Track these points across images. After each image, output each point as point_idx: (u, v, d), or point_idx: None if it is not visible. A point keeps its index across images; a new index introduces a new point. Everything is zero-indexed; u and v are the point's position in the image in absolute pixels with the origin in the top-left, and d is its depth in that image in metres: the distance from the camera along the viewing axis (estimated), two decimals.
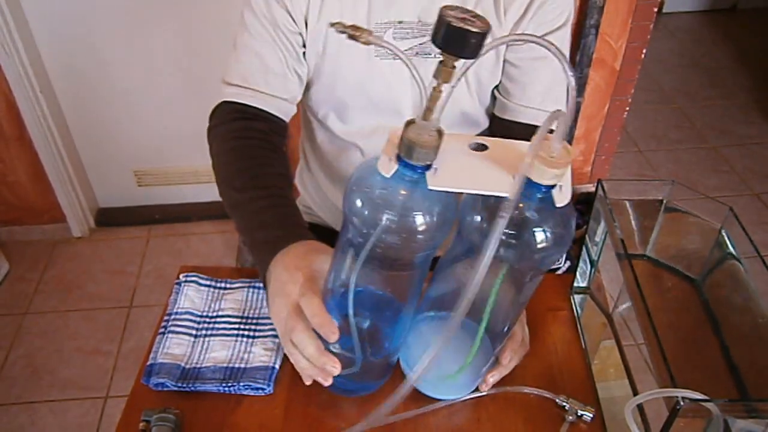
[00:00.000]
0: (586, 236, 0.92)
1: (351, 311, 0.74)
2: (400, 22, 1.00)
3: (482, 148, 0.69)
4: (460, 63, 0.60)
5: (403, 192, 0.66)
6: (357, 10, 1.00)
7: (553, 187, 0.64)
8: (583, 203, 2.53)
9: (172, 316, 0.93)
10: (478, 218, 0.69)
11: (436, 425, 0.82)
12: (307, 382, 0.80)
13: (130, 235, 2.57)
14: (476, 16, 0.59)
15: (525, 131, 1.08)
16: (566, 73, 0.61)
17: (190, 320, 0.93)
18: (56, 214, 2.48)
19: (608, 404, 0.83)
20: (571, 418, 0.81)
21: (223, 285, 0.99)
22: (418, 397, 0.83)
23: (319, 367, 0.77)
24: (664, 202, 0.86)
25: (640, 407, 0.71)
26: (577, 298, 0.98)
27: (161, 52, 2.25)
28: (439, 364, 0.82)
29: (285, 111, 1.08)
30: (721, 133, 3.18)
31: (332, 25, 0.65)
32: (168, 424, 0.77)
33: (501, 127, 1.11)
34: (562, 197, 0.65)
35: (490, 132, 1.16)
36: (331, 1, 0.99)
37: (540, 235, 0.66)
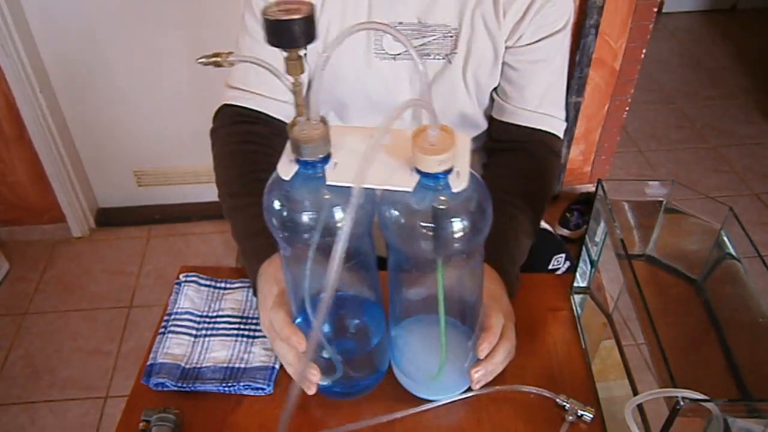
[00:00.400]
0: (586, 236, 0.92)
1: (311, 313, 0.75)
2: (400, 23, 1.01)
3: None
4: (307, 50, 0.61)
5: (309, 191, 0.67)
6: (358, 11, 1.00)
7: (449, 172, 0.64)
8: (583, 203, 2.53)
9: (172, 316, 0.93)
10: (395, 213, 0.69)
11: (437, 425, 0.82)
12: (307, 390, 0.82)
13: (130, 235, 2.57)
14: (300, 2, 0.59)
15: (522, 133, 1.09)
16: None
17: (190, 320, 0.93)
18: (56, 214, 2.48)
19: (608, 404, 0.83)
20: (571, 418, 0.81)
21: (223, 285, 0.99)
22: (413, 399, 0.83)
23: (298, 376, 0.79)
24: (664, 202, 0.86)
25: (640, 407, 0.71)
26: (577, 298, 0.98)
27: (161, 51, 2.25)
28: (420, 364, 0.83)
29: (286, 113, 1.08)
30: (721, 133, 3.18)
31: (197, 60, 0.66)
32: (168, 424, 0.77)
33: (499, 129, 1.11)
34: (458, 182, 0.64)
35: (488, 134, 1.16)
36: (332, 2, 0.99)
37: (455, 223, 0.66)
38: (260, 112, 1.05)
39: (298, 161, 0.65)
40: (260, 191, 0.99)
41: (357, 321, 0.81)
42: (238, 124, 1.05)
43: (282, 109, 1.07)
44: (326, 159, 0.65)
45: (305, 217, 0.67)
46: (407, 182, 0.64)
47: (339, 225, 0.66)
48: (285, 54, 0.61)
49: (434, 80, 1.05)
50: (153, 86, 2.33)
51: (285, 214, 0.68)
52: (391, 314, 0.82)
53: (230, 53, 0.64)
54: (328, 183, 0.65)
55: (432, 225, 0.66)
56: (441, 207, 0.65)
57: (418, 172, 0.64)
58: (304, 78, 0.62)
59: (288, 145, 0.67)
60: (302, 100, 0.63)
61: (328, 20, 1.01)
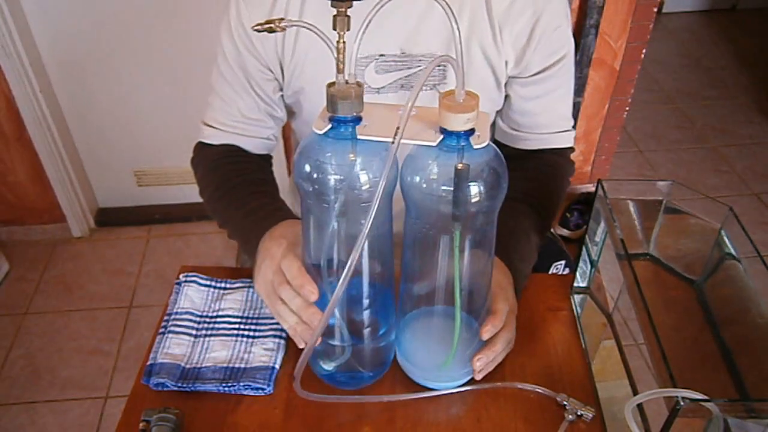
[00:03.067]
0: (586, 236, 0.92)
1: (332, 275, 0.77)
2: (381, 56, 0.97)
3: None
4: (353, 8, 0.65)
5: (340, 146, 0.70)
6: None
7: (471, 133, 0.68)
8: (583, 203, 2.53)
9: (172, 316, 0.93)
10: (417, 174, 0.72)
11: (437, 424, 0.82)
12: (300, 345, 0.83)
13: (130, 235, 2.57)
14: None
15: (540, 157, 1.09)
16: None
17: (190, 320, 0.93)
18: (56, 214, 2.48)
19: (608, 404, 0.83)
20: (570, 417, 0.81)
21: (223, 285, 0.99)
22: (418, 388, 0.83)
23: (306, 319, 0.79)
24: (664, 202, 0.86)
25: (640, 407, 0.71)
26: (577, 298, 0.98)
27: (162, 51, 2.25)
28: (428, 353, 0.83)
29: (263, 147, 1.10)
30: (721, 133, 3.18)
31: (253, 28, 0.68)
32: (168, 424, 0.77)
33: (509, 151, 1.10)
34: (480, 140, 0.68)
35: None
36: (305, 36, 0.97)
37: (474, 185, 0.69)
38: (236, 146, 1.07)
39: (331, 119, 0.69)
40: (245, 189, 1.00)
41: (368, 309, 0.81)
42: (212, 147, 1.07)
43: (259, 145, 1.09)
44: (358, 120, 0.69)
45: (336, 174, 0.70)
46: (432, 138, 0.68)
47: (366, 186, 0.70)
48: (334, 9, 0.65)
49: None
50: (153, 86, 2.33)
51: (317, 169, 0.71)
52: (401, 304, 0.83)
53: (282, 19, 0.67)
54: (359, 137, 0.69)
55: (453, 186, 0.69)
56: (462, 167, 0.68)
57: (443, 131, 0.68)
58: (350, 35, 0.65)
59: (323, 107, 0.70)
60: (342, 56, 0.66)
61: (303, 60, 0.99)
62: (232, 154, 1.06)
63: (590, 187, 2.67)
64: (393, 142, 0.64)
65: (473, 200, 0.69)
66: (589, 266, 0.94)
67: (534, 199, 1.01)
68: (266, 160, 1.11)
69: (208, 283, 0.99)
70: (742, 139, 3.14)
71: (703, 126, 3.24)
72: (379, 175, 0.68)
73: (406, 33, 0.96)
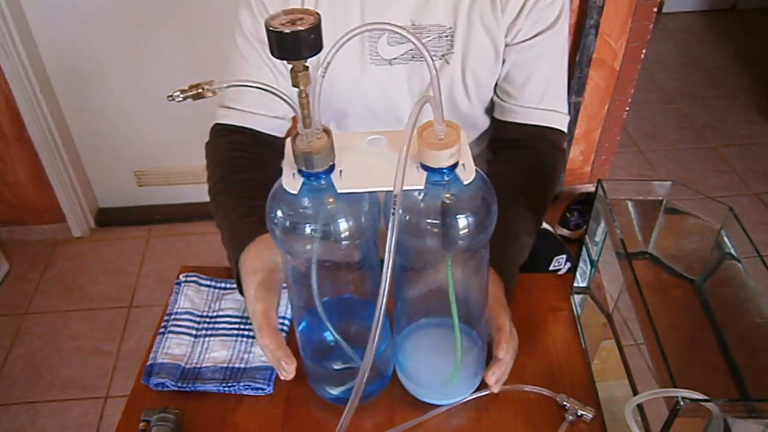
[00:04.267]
0: (586, 236, 0.92)
1: (332, 330, 0.76)
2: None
3: (380, 142, 0.70)
4: (312, 61, 0.60)
5: (317, 202, 0.66)
6: (349, 19, 1.00)
7: (455, 167, 0.65)
8: (583, 203, 2.53)
9: (172, 316, 0.93)
10: (404, 212, 0.69)
11: (437, 425, 0.82)
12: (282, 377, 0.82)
13: (130, 235, 2.57)
14: (304, 11, 0.59)
15: (525, 131, 1.08)
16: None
17: (190, 320, 0.93)
18: (56, 214, 2.48)
19: (608, 404, 0.83)
20: (571, 417, 0.81)
21: (223, 285, 0.99)
22: (418, 403, 0.83)
23: (285, 378, 0.79)
24: (664, 202, 0.86)
25: (640, 407, 0.71)
26: (577, 298, 0.98)
27: (162, 51, 2.25)
28: (427, 369, 0.82)
29: (277, 128, 1.10)
30: (721, 133, 3.18)
31: (169, 98, 0.64)
32: (168, 424, 0.77)
33: (501, 129, 1.11)
34: (467, 174, 0.65)
35: (492, 135, 1.16)
36: (323, 11, 0.99)
37: (462, 218, 0.66)
38: (248, 128, 1.07)
39: (302, 173, 0.64)
40: (239, 190, 1.00)
41: (363, 328, 0.80)
42: (224, 136, 1.08)
43: (272, 125, 1.09)
44: (331, 168, 0.65)
45: (314, 228, 0.66)
46: (417, 180, 0.64)
47: (346, 234, 0.67)
48: (290, 66, 0.60)
49: (432, 82, 1.05)
50: (153, 86, 2.33)
51: (293, 226, 0.67)
52: (396, 320, 0.81)
53: (211, 82, 0.62)
54: (340, 191, 0.64)
55: (441, 221, 0.66)
56: (450, 201, 0.65)
57: (425, 168, 0.64)
58: (312, 88, 0.61)
59: (287, 159, 0.66)
60: (306, 110, 0.62)
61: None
62: (237, 147, 1.06)
63: (590, 187, 2.67)
64: (393, 211, 0.59)
65: (463, 233, 0.67)
66: (589, 266, 0.94)
67: (526, 198, 1.01)
68: (275, 149, 1.10)
69: (208, 283, 0.99)
70: (742, 139, 3.14)
71: (703, 126, 3.24)
72: (359, 222, 0.67)
73: (416, 5, 1.00)
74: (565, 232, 2.51)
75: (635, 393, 0.74)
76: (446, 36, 1.01)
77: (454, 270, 0.72)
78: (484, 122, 1.15)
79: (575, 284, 0.98)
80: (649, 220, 0.87)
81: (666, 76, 3.65)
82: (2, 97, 2.17)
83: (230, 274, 1.01)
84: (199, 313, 0.95)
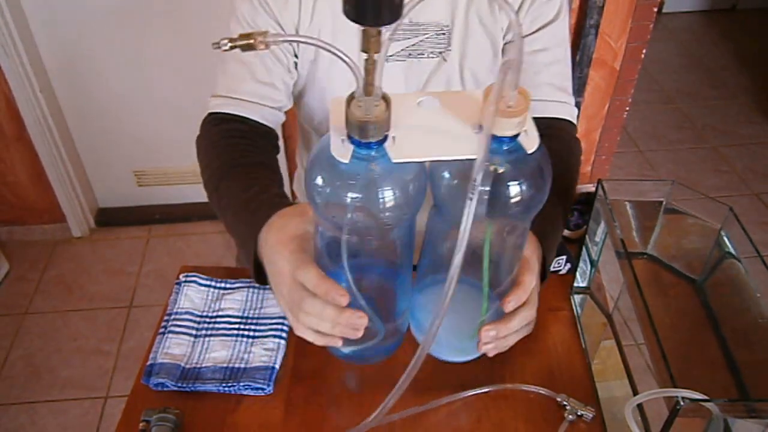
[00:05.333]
0: (586, 236, 0.92)
1: (354, 289, 0.72)
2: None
3: (433, 102, 0.66)
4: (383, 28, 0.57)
5: (367, 172, 0.62)
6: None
7: (518, 135, 0.62)
8: (583, 203, 2.53)
9: (172, 316, 0.93)
10: (447, 175, 0.67)
11: (437, 424, 0.82)
12: (338, 344, 0.78)
13: (130, 235, 2.57)
14: None
15: (537, 125, 1.07)
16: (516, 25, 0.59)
17: (190, 320, 0.93)
18: (56, 214, 2.48)
19: (608, 404, 0.83)
20: (571, 417, 0.81)
21: (223, 285, 0.99)
22: (418, 394, 0.83)
23: (345, 324, 0.73)
24: (664, 202, 0.86)
25: (640, 407, 0.71)
26: (577, 298, 0.98)
27: (161, 51, 2.26)
28: (454, 330, 0.80)
29: (272, 119, 1.06)
30: (721, 133, 3.18)
31: (215, 45, 0.60)
32: (168, 424, 0.77)
33: None
34: (530, 142, 0.62)
35: None
36: (321, 7, 0.99)
37: (517, 187, 0.64)
38: (243, 117, 1.04)
39: (353, 141, 0.61)
40: (246, 171, 0.96)
41: (386, 286, 0.77)
42: (217, 125, 1.04)
43: (267, 115, 1.05)
44: (385, 137, 0.61)
45: (360, 197, 0.63)
46: (474, 147, 0.60)
47: (392, 204, 0.63)
48: (362, 29, 0.57)
49: (429, 79, 1.05)
50: (153, 86, 2.33)
51: (336, 194, 0.63)
52: (420, 277, 0.79)
53: (266, 33, 0.59)
54: (395, 161, 0.61)
55: (493, 188, 0.62)
56: (506, 169, 0.62)
57: (494, 137, 0.60)
58: (380, 55, 0.58)
59: (336, 124, 0.62)
60: (372, 77, 0.58)
61: (318, 27, 1.00)
62: (234, 135, 1.02)
63: (590, 187, 2.67)
64: (470, 199, 0.54)
65: (514, 202, 0.64)
66: (589, 266, 0.94)
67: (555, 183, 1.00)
68: (271, 141, 1.08)
69: (208, 283, 0.99)
70: (742, 139, 3.14)
71: (703, 126, 3.24)
72: (407, 192, 0.63)
73: (414, 2, 0.98)
74: (565, 232, 2.50)
75: (635, 393, 0.74)
76: (443, 33, 1.01)
77: (492, 236, 0.69)
78: None
79: (575, 284, 0.98)
80: (649, 220, 0.87)
81: (666, 76, 3.65)
82: (2, 97, 2.17)
83: (230, 274, 1.01)
84: (199, 313, 0.95)
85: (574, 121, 1.10)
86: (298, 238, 0.79)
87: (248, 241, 0.85)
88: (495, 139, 0.61)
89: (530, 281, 0.78)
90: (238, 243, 0.91)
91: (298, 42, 0.60)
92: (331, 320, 0.73)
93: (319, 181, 0.64)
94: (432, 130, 0.63)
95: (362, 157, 0.61)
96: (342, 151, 0.61)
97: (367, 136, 0.59)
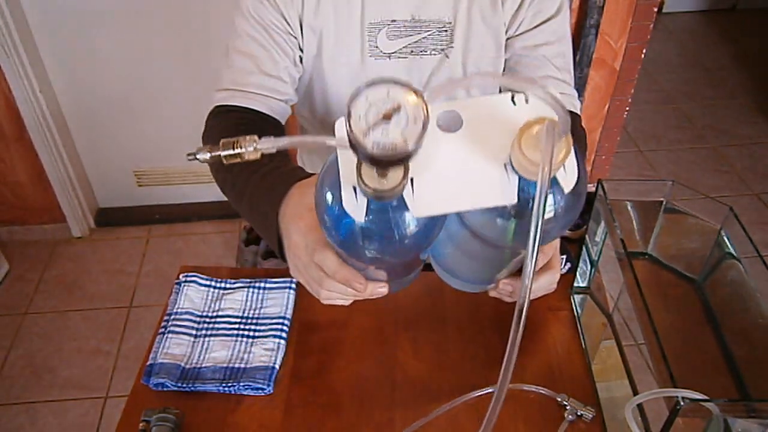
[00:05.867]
0: (586, 236, 0.92)
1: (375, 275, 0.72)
2: (393, 21, 1.01)
3: (454, 121, 0.57)
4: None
5: (384, 226, 0.57)
6: (351, 9, 1.00)
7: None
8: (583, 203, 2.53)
9: (172, 316, 0.93)
10: (483, 218, 0.62)
11: (437, 425, 0.82)
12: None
13: (130, 235, 2.57)
14: (387, 115, 0.48)
15: None
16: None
17: (190, 320, 0.93)
18: (56, 214, 2.48)
19: (608, 404, 0.83)
20: (570, 417, 0.81)
21: (222, 285, 0.99)
22: (417, 394, 0.83)
23: (368, 295, 0.74)
24: (664, 202, 0.86)
25: (640, 407, 0.71)
26: (577, 298, 0.98)
27: (161, 51, 2.25)
28: (473, 271, 0.78)
29: (279, 111, 1.05)
30: (721, 133, 3.18)
31: (190, 157, 0.57)
32: (168, 424, 0.77)
33: None
34: (569, 179, 0.56)
35: None
36: (325, 2, 0.99)
37: (553, 221, 0.60)
38: (250, 109, 1.01)
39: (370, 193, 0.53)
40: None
41: (408, 263, 0.74)
42: (226, 115, 1.01)
43: (275, 107, 1.03)
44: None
45: (380, 250, 0.59)
46: (506, 192, 0.54)
47: (410, 248, 0.59)
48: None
49: (431, 76, 1.05)
50: (153, 86, 2.33)
51: (356, 249, 0.60)
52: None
53: (254, 137, 0.56)
54: (416, 215, 0.55)
55: (521, 220, 0.58)
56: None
57: (515, 170, 0.53)
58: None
59: (345, 171, 0.56)
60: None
61: (321, 22, 1.00)
62: (245, 122, 1.00)
63: (590, 187, 2.66)
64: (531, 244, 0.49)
65: (548, 230, 0.59)
66: (589, 266, 0.94)
67: None
68: (279, 128, 1.06)
69: (208, 283, 0.99)
70: (742, 139, 3.14)
71: (703, 126, 3.24)
72: (426, 237, 0.59)
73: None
74: (565, 232, 2.50)
75: (635, 393, 0.74)
76: (445, 30, 1.02)
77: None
78: None
79: (575, 284, 0.98)
80: (649, 220, 0.87)
81: (666, 76, 3.65)
82: (2, 97, 2.17)
83: (230, 274, 1.01)
84: (199, 313, 0.95)
85: (578, 112, 1.10)
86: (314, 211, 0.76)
87: (270, 215, 0.83)
88: (530, 183, 0.54)
89: (551, 247, 0.79)
90: (258, 222, 0.88)
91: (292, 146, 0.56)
92: (354, 295, 0.75)
93: (329, 225, 0.60)
94: (457, 169, 0.55)
95: (379, 209, 0.56)
96: (355, 206, 0.55)
97: (384, 200, 0.54)
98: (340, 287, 0.74)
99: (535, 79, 0.52)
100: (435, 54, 1.04)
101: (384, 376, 0.87)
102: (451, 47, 1.03)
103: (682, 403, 0.59)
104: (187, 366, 0.87)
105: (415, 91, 0.47)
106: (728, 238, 0.82)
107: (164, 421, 0.78)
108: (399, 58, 1.03)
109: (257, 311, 0.95)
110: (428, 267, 0.81)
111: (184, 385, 0.84)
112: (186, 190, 2.61)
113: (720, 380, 0.71)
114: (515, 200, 0.54)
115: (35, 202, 2.45)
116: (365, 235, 0.58)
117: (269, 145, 0.56)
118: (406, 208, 0.55)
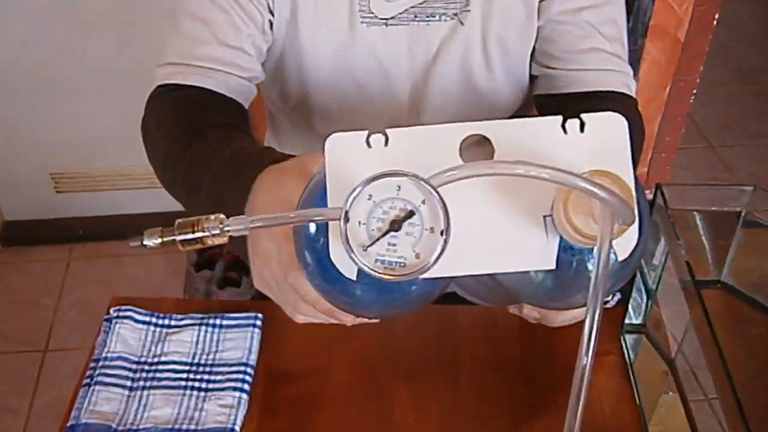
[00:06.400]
0: (641, 259, 0.92)
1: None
2: None
3: (481, 154, 0.56)
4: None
5: (381, 292, 0.59)
6: None
7: None
8: None
9: (101, 363, 0.93)
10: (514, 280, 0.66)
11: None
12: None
13: (45, 256, 2.57)
14: (396, 221, 0.50)
15: (587, 103, 1.03)
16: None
17: (124, 368, 0.93)
18: None
19: None
20: None
21: (166, 322, 0.99)
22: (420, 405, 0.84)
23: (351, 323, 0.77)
24: (743, 213, 0.87)
25: None
26: (630, 338, 0.98)
27: (86, 21, 2.26)
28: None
29: (241, 91, 1.03)
30: None
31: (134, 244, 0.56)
32: None
33: (554, 107, 1.07)
34: (624, 247, 0.57)
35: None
36: None
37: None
38: (204, 89, 0.99)
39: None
40: (221, 130, 0.92)
41: None
42: (171, 93, 1.00)
43: (235, 86, 1.02)
44: None
45: (371, 306, 0.62)
46: (544, 256, 0.55)
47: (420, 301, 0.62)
48: None
49: (440, 48, 1.05)
50: (74, 74, 2.33)
51: (348, 306, 0.63)
52: None
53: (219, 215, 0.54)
54: (430, 277, 0.54)
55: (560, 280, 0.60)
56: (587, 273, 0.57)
57: (559, 234, 0.55)
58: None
59: (336, 235, 0.55)
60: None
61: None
62: (195, 101, 0.98)
63: (648, 194, 2.67)
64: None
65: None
66: (644, 297, 0.94)
67: None
68: (242, 116, 1.03)
69: (147, 319, 0.99)
70: None
71: None
72: (429, 293, 0.62)
73: None
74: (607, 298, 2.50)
75: None
76: None
77: None
78: (508, 104, 1.13)
79: (627, 321, 0.98)
80: (723, 237, 0.88)
81: (745, 50, 3.67)
82: None
83: (176, 308, 1.01)
84: (136, 359, 0.95)
85: (633, 95, 1.09)
86: (291, 209, 0.74)
87: (234, 207, 0.80)
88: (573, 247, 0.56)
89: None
90: (212, 200, 0.87)
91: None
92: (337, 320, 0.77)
93: (311, 270, 0.61)
94: (482, 223, 0.56)
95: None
96: (346, 263, 0.55)
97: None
98: (321, 316, 0.75)
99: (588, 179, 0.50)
100: (446, 20, 1.03)
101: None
102: (467, 10, 1.02)
103: None
104: (120, 428, 0.87)
105: (433, 188, 0.47)
106: None
107: None
108: (399, 25, 1.02)
109: (212, 356, 0.95)
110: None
111: None
112: (118, 198, 2.60)
113: None
114: (554, 266, 0.55)
115: None
116: (357, 292, 0.59)
117: (241, 226, 0.54)
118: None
